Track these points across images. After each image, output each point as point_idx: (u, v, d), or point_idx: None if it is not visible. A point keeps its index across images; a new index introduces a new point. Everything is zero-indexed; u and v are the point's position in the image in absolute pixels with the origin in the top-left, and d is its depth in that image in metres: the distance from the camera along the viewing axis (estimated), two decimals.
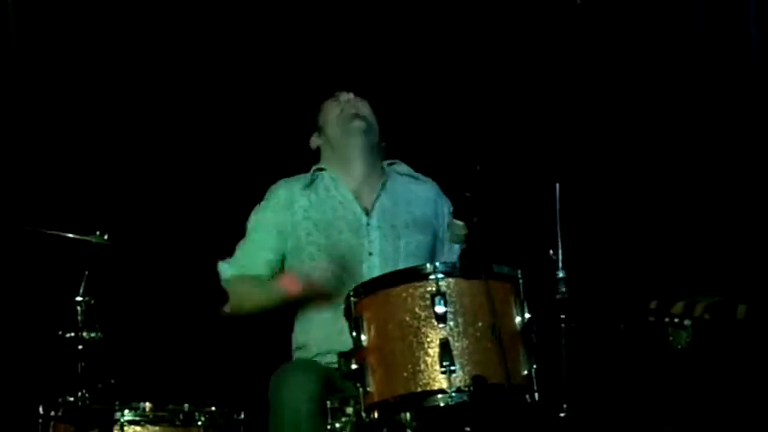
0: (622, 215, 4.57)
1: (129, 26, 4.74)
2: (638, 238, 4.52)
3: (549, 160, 4.47)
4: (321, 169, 3.94)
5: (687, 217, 4.52)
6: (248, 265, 3.86)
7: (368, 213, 3.84)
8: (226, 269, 3.89)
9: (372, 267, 3.72)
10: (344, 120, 3.90)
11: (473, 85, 4.74)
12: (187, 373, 4.45)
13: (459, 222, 3.31)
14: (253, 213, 3.93)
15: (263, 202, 3.95)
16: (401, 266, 3.55)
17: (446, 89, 4.75)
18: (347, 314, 3.27)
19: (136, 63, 4.74)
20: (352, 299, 3.25)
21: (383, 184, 3.90)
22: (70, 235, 3.74)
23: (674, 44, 4.63)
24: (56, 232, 3.75)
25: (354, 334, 3.22)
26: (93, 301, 3.73)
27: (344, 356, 3.24)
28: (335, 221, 3.82)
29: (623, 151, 4.61)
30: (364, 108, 3.94)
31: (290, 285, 3.69)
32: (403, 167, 4.01)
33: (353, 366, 3.21)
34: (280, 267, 3.87)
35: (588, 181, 4.48)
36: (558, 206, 3.48)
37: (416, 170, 4.03)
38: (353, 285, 3.31)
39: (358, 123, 3.88)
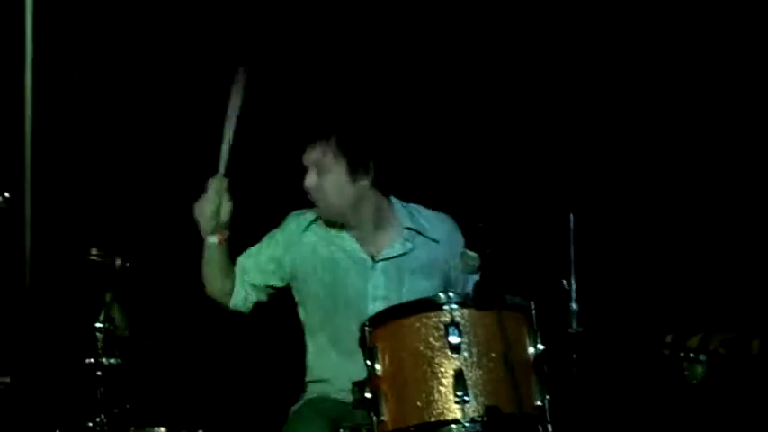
0: (637, 246, 4.56)
1: (139, 44, 4.79)
2: (654, 270, 4.52)
3: (562, 190, 4.49)
4: None
5: (704, 251, 4.51)
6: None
7: (374, 258, 3.82)
8: None
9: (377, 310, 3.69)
10: None
11: (487, 115, 4.74)
12: (202, 398, 4.47)
13: (473, 253, 3.31)
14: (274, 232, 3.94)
15: (278, 229, 3.93)
16: None
17: (460, 119, 4.74)
18: (362, 344, 3.28)
19: (153, 86, 4.77)
20: (366, 328, 3.27)
21: (391, 229, 3.85)
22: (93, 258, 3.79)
23: (687, 68, 4.62)
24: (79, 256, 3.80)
25: (369, 363, 3.23)
26: (112, 327, 3.78)
27: (358, 385, 3.26)
28: (342, 261, 3.82)
29: (638, 182, 4.61)
30: None
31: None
32: (417, 208, 3.93)
33: (367, 395, 3.22)
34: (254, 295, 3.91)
35: (603, 211, 4.48)
36: (571, 236, 3.48)
37: (429, 201, 3.99)
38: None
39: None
